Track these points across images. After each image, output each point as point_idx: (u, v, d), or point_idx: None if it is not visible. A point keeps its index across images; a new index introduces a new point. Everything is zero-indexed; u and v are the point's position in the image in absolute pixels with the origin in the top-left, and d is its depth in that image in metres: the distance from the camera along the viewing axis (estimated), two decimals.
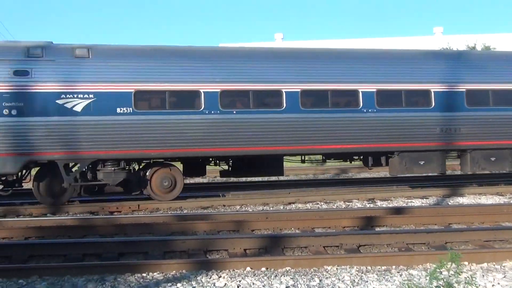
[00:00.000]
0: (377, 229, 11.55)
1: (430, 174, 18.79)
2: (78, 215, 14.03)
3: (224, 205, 15.11)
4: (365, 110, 15.98)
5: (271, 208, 14.71)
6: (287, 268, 8.23)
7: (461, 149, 17.21)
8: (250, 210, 14.36)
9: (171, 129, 15.04)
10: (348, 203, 15.28)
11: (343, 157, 17.54)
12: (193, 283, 7.51)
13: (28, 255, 9.21)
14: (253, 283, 7.49)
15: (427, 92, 16.61)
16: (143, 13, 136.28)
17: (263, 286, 7.40)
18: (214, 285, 7.43)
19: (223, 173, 17.39)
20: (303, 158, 17.69)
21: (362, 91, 15.99)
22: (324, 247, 9.62)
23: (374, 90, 16.07)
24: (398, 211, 12.94)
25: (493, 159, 17.15)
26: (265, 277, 7.77)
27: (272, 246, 9.57)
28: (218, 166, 17.17)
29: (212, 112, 15.15)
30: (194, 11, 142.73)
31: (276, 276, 7.85)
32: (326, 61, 16.47)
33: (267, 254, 9.32)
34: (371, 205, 14.91)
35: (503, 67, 17.62)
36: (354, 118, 16.01)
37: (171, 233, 11.21)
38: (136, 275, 7.89)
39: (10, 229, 11.30)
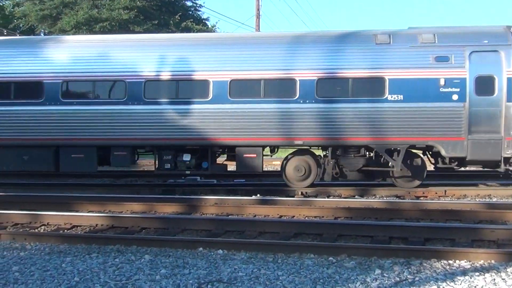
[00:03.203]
0: None
1: None
2: (385, 198, 14.29)
3: None
4: None
5: None
6: None
7: None
8: None
9: None
10: None
11: None
12: (503, 274, 7.16)
13: (337, 234, 9.67)
14: None
15: None
16: None
17: None
18: None
19: None
20: None
21: None
22: None
23: None
24: None
25: (25, 157, 15.63)
26: None
27: None
28: None
29: None
30: None
31: None
32: None
33: None
34: None
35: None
36: None
37: (479, 221, 10.81)
38: (442, 261, 7.79)
39: (321, 208, 11.97)
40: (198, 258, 8.11)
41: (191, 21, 40.47)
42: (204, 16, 45.36)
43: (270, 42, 15.88)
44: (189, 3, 44.29)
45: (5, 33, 46.50)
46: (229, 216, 11.70)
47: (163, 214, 11.97)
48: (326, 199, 13.90)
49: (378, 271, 7.28)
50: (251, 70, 15.20)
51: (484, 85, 14.52)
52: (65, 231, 10.52)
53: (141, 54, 15.78)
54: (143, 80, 15.39)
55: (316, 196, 14.66)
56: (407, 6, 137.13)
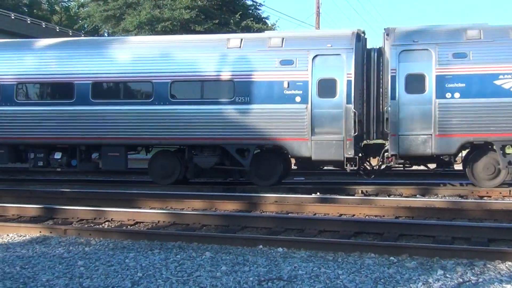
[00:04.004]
0: None
1: None
2: (447, 197, 14.04)
3: None
4: None
5: None
6: None
7: None
8: None
9: None
10: None
11: None
12: None
13: (398, 234, 9.55)
14: None
15: None
16: None
17: None
18: None
19: None
20: None
21: None
22: None
23: None
24: None
25: None
26: None
27: None
28: None
29: None
30: None
31: None
32: None
33: None
34: None
35: None
36: None
37: None
38: (507, 263, 7.60)
39: (382, 207, 11.86)
40: (258, 255, 8.15)
41: (251, 20, 40.64)
42: (264, 15, 45.52)
43: (132, 46, 16.89)
44: (249, 2, 44.54)
45: (70, 34, 47.82)
46: (289, 214, 11.72)
47: (224, 212, 12.08)
48: (387, 198, 13.76)
49: (440, 272, 7.17)
50: (111, 73, 16.26)
51: (326, 87, 14.99)
52: (128, 227, 10.74)
53: (14, 57, 17.03)
54: (15, 83, 16.48)
55: (376, 195, 14.52)
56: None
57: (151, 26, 37.22)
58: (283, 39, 15.62)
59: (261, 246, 8.64)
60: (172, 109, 15.70)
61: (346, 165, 15.07)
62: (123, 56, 16.43)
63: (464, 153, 15.63)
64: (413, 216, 11.23)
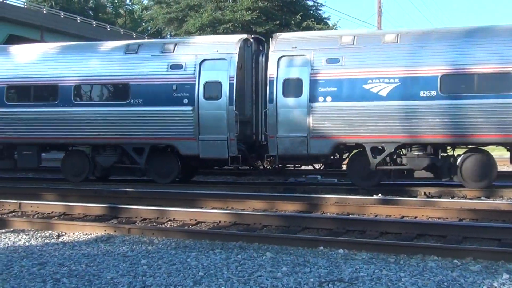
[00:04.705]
0: None
1: None
2: None
3: None
4: None
5: None
6: None
7: None
8: None
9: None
10: None
11: None
12: None
13: (462, 237, 9.37)
14: None
15: None
16: None
17: None
18: None
19: None
20: None
21: None
22: None
23: None
24: None
25: None
26: None
27: None
28: None
29: None
30: None
31: None
32: None
33: None
34: None
35: None
36: None
37: None
38: None
39: (445, 209, 11.65)
40: (319, 256, 8.13)
41: (312, 21, 40.49)
42: (325, 15, 45.30)
43: (41, 51, 18.12)
44: (310, 3, 44.37)
45: (134, 36, 48.69)
46: (350, 216, 11.65)
47: (284, 212, 12.09)
48: (450, 200, 13.52)
49: (506, 276, 7.00)
50: (23, 77, 17.45)
51: (212, 90, 16.02)
52: (190, 226, 10.88)
53: None
54: None
55: (439, 197, 14.28)
56: None
57: (213, 28, 37.58)
58: (175, 44, 16.74)
59: (322, 247, 8.62)
60: (75, 111, 16.96)
61: (232, 163, 16.11)
62: (34, 60, 17.72)
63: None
64: (477, 219, 11.00)
